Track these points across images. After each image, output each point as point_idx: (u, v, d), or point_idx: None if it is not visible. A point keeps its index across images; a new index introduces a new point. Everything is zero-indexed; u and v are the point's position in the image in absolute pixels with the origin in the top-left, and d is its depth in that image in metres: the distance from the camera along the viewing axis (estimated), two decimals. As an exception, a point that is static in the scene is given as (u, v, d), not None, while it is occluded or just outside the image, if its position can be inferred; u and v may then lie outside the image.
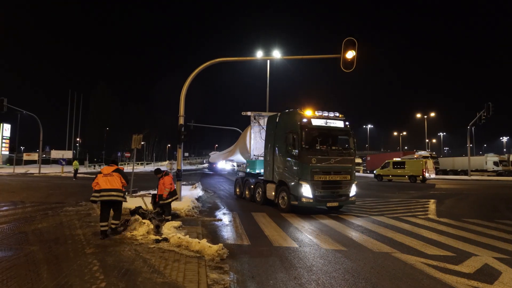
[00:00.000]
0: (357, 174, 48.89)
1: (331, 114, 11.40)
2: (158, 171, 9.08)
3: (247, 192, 14.41)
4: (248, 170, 15.07)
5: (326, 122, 11.18)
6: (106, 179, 6.94)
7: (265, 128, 13.77)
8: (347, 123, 11.58)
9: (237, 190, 15.70)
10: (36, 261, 5.11)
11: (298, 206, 10.76)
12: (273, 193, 11.94)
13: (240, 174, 16.20)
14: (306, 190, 10.44)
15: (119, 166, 7.46)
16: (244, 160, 16.80)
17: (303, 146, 10.58)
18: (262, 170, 13.46)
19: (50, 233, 7.07)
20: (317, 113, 11.17)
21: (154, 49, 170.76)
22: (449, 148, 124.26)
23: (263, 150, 13.46)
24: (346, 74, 13.11)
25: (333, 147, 11.19)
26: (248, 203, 13.34)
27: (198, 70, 12.61)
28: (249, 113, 15.15)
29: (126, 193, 7.83)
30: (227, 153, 23.76)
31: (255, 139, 14.81)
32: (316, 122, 10.98)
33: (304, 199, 10.49)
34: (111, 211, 7.00)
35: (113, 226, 6.97)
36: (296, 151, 10.75)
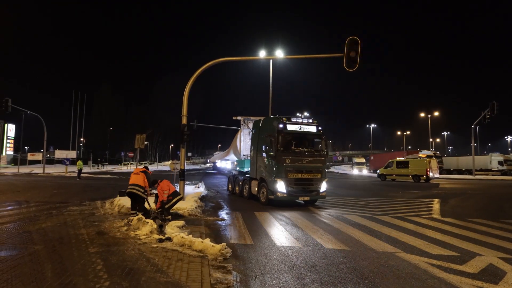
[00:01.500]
0: (361, 173, 49.18)
1: (305, 120, 12.92)
2: (154, 182, 9.16)
3: (237, 188, 15.74)
4: (238, 168, 16.70)
5: (300, 127, 12.61)
6: (134, 176, 8.70)
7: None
8: (319, 128, 12.96)
9: (230, 186, 17.08)
10: (41, 260, 5.13)
11: (274, 200, 12.09)
12: (256, 189, 13.31)
13: (233, 172, 17.50)
14: (281, 186, 11.84)
15: (148, 170, 9.22)
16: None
17: (279, 148, 11.96)
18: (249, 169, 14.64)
19: (54, 232, 7.11)
20: (292, 119, 12.68)
21: (157, 50, 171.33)
22: (453, 148, 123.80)
23: None
24: (349, 73, 13.12)
25: (306, 149, 12.55)
26: (251, 202, 13.33)
27: (201, 70, 12.62)
28: (239, 118, 16.49)
29: (147, 192, 8.77)
30: (225, 153, 24.78)
31: (245, 141, 16.07)
32: (291, 127, 12.39)
33: (279, 194, 11.88)
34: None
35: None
36: (273, 152, 12.07)
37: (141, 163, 64.04)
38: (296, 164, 12.06)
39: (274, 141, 12.05)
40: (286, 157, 11.92)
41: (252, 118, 16.03)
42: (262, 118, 14.14)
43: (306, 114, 63.20)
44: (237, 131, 19.17)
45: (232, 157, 19.24)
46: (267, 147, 12.51)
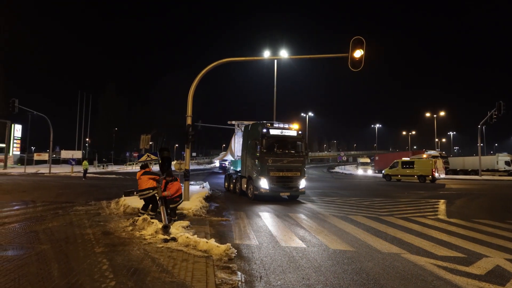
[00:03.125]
0: (366, 174, 48.97)
1: (286, 126, 14.41)
2: (170, 173, 8.71)
3: (231, 186, 17.31)
4: (231, 168, 18.72)
5: (282, 132, 14.10)
6: (139, 182, 8.33)
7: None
8: (299, 132, 14.49)
9: (226, 184, 18.65)
10: (47, 259, 5.18)
11: (259, 195, 13.57)
12: (245, 186, 14.85)
13: (230, 171, 19.23)
14: (264, 183, 13.38)
15: (147, 169, 8.73)
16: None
17: (263, 150, 13.46)
18: None
19: (61, 232, 7.16)
20: (275, 125, 14.31)
21: (161, 50, 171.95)
22: (459, 148, 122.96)
23: None
24: (354, 73, 13.17)
25: (287, 151, 14.03)
26: (255, 201, 13.35)
27: (205, 71, 12.65)
28: (233, 122, 18.28)
29: (155, 189, 8.33)
30: (224, 154, 26.40)
31: (238, 143, 17.38)
32: (273, 131, 13.90)
33: (262, 190, 13.40)
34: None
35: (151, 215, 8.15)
36: (258, 153, 13.58)
37: (146, 163, 64.19)
38: (278, 164, 13.60)
39: (258, 143, 13.62)
40: (269, 158, 13.48)
41: (245, 122, 17.41)
42: (251, 124, 15.60)
43: (310, 114, 63.17)
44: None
45: (229, 157, 21.03)
46: (253, 149, 14.03)
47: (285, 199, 14.40)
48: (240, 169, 16.40)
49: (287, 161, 13.80)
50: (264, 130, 13.71)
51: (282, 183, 13.60)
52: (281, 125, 14.35)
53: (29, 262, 5.04)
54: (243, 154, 15.62)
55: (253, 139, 14.17)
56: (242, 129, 17.04)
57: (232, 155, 19.10)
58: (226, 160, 25.09)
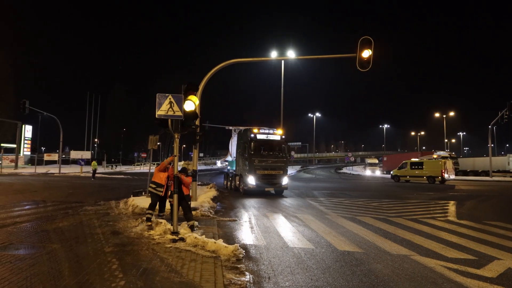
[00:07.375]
0: (374, 175, 48.68)
1: (271, 131, 16.88)
2: (185, 169, 8.41)
3: (229, 183, 19.73)
4: (229, 167, 21.16)
5: (267, 136, 16.57)
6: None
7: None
8: (283, 136, 17.02)
9: (225, 181, 21.02)
10: (58, 259, 5.25)
11: (247, 190, 15.92)
12: (238, 182, 17.30)
13: (229, 170, 21.23)
14: (251, 180, 15.73)
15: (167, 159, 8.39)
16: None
17: (251, 152, 15.84)
18: None
19: (71, 231, 7.25)
20: (261, 130, 16.58)
21: (168, 50, 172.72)
22: (469, 148, 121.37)
23: None
24: (362, 74, 13.08)
25: (271, 152, 16.47)
26: (263, 201, 13.36)
27: (213, 71, 12.69)
28: (230, 127, 21.20)
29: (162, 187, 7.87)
30: (226, 155, 28.15)
31: (234, 145, 19.36)
32: (260, 136, 16.32)
33: (250, 186, 15.75)
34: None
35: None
36: (247, 155, 15.94)
37: (154, 164, 64.69)
38: (263, 163, 15.87)
39: (247, 146, 15.96)
40: (256, 158, 15.76)
41: (240, 127, 19.56)
42: (243, 129, 18.17)
43: (318, 114, 63.04)
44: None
45: (229, 158, 22.95)
46: (244, 151, 16.37)
47: (274, 194, 16.59)
48: (235, 168, 18.49)
49: (271, 161, 16.09)
50: (252, 135, 16.08)
51: (266, 180, 15.87)
52: (267, 131, 16.69)
53: (40, 261, 5.11)
54: (237, 155, 17.91)
55: (243, 142, 16.55)
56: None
57: (230, 156, 21.11)
58: (227, 161, 26.65)
